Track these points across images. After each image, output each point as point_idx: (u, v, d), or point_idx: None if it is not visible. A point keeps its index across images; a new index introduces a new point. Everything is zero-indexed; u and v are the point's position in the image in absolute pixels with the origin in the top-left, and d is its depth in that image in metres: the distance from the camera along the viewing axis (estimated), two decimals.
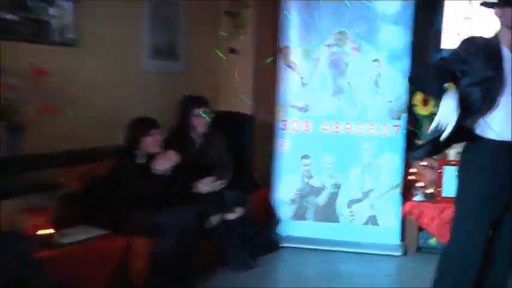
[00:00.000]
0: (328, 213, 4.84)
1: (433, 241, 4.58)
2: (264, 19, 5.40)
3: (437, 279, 2.95)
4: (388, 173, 4.75)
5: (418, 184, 4.76)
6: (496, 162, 2.75)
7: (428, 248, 4.60)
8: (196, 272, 3.93)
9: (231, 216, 4.17)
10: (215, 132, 4.42)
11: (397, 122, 4.68)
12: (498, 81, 2.68)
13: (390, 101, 4.68)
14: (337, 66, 4.74)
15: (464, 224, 2.83)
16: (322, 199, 4.86)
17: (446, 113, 2.61)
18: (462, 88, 2.73)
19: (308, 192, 4.87)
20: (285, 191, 4.88)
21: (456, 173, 3.01)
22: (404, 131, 4.69)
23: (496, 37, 2.81)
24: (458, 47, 2.88)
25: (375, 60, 4.70)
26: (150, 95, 4.43)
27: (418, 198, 4.68)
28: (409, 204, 4.69)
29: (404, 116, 4.69)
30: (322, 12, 4.74)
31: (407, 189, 4.82)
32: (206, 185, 4.16)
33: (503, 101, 2.70)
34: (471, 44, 2.85)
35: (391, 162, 4.74)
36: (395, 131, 4.70)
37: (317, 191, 4.85)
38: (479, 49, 2.77)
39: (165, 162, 3.73)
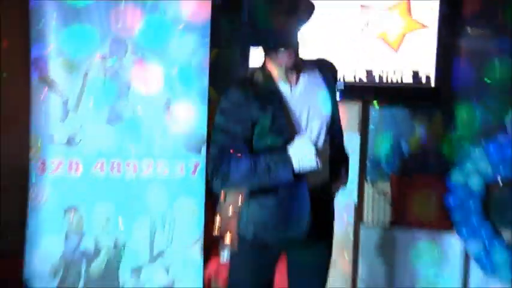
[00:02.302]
0: (106, 284, 3.89)
1: None
2: (12, 17, 4.21)
3: None
4: (185, 225, 4.00)
5: (226, 237, 3.92)
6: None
7: None
8: None
9: None
10: None
11: (195, 158, 3.94)
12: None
13: (185, 133, 3.94)
14: (114, 84, 3.84)
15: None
16: (97, 265, 3.88)
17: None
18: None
19: (77, 257, 3.86)
20: (43, 259, 3.81)
21: None
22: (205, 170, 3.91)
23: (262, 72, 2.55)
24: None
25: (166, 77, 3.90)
26: None
27: (226, 256, 3.96)
28: (213, 264, 4.17)
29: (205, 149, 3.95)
30: (94, 12, 3.81)
31: (211, 245, 4.13)
32: None
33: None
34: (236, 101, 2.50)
35: (189, 211, 4.01)
36: (193, 170, 3.96)
37: (90, 255, 3.87)
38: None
39: None
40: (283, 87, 2.49)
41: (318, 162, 2.32)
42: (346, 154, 2.76)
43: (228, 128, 2.43)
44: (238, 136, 2.42)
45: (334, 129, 2.60)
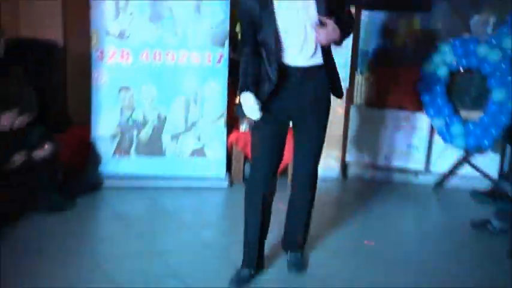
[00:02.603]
0: (152, 148, 4.61)
1: None
2: None
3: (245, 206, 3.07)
4: (212, 103, 4.60)
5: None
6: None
7: None
8: None
9: (38, 153, 3.70)
10: (13, 64, 3.86)
11: (220, 50, 4.50)
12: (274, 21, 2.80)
13: (212, 28, 4.45)
14: None
15: (257, 147, 3.04)
16: (145, 133, 4.60)
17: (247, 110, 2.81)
18: (260, 40, 2.85)
19: (130, 126, 4.57)
20: (104, 127, 4.55)
21: None
22: (228, 60, 4.52)
23: None
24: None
25: None
26: None
27: (243, 128, 4.61)
28: (234, 134, 4.65)
29: (227, 43, 4.50)
30: None
31: (232, 120, 4.70)
32: (5, 121, 3.60)
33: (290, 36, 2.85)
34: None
35: (215, 92, 4.59)
36: (218, 60, 4.51)
37: (140, 125, 4.58)
38: None
39: None
40: None
41: (259, 114, 2.75)
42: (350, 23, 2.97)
43: (242, 23, 2.95)
44: (246, 30, 2.90)
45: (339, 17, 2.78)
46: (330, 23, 2.71)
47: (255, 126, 2.99)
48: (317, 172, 3.17)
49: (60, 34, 4.85)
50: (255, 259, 3.07)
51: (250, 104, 2.78)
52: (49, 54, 4.65)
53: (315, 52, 2.85)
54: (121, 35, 4.42)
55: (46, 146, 3.74)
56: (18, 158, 3.60)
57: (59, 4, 4.85)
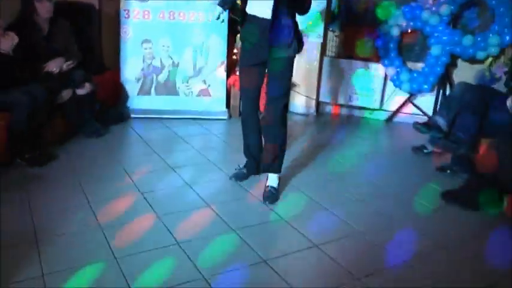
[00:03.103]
0: (168, 88, 4.73)
1: None
2: None
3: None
4: (215, 52, 4.68)
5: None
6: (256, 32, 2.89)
7: None
8: (51, 141, 3.66)
9: (80, 91, 3.85)
10: (60, 19, 3.95)
11: (221, 10, 4.41)
12: None
13: None
14: None
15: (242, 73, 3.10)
16: (162, 77, 4.71)
17: None
18: None
19: (151, 71, 4.68)
20: (131, 71, 4.66)
21: None
22: (227, 18, 4.50)
23: None
24: None
25: None
26: None
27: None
28: (232, 78, 4.73)
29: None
30: None
31: (231, 66, 4.81)
32: (55, 65, 3.73)
33: None
34: None
35: (218, 44, 4.66)
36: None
37: (158, 70, 4.68)
38: None
39: (6, 42, 3.23)
40: None
41: None
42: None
43: None
44: None
45: None
46: None
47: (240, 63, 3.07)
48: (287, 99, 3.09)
49: None
50: (253, 165, 3.25)
51: None
52: (88, 14, 4.69)
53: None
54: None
55: (86, 85, 3.88)
56: (66, 94, 3.74)
57: None
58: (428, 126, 3.86)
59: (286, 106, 3.05)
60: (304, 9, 2.90)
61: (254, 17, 2.88)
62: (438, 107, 4.66)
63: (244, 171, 3.32)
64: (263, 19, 2.82)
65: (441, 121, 3.79)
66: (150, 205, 2.89)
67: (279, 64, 2.91)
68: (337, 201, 3.10)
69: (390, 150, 4.32)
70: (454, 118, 3.74)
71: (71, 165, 3.44)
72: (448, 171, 3.69)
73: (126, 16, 4.50)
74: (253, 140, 3.26)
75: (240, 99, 3.29)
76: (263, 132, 3.21)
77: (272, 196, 3.06)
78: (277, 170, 3.17)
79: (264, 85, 3.08)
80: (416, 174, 3.66)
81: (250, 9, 2.91)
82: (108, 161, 3.57)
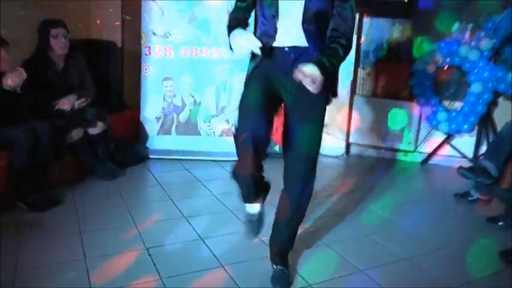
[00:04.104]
0: (189, 128, 4.25)
1: (276, 148, 4.13)
2: None
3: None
4: (239, 91, 4.07)
5: None
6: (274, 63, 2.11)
7: (273, 153, 4.05)
8: (61, 182, 3.20)
9: (93, 130, 3.41)
10: (77, 55, 3.59)
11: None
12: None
13: None
14: None
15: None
16: (184, 116, 4.25)
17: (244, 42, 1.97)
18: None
19: (171, 110, 4.23)
20: (151, 110, 4.22)
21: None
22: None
23: None
24: None
25: None
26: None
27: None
28: None
29: None
30: None
31: None
32: (66, 103, 3.32)
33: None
34: None
35: (242, 82, 3.95)
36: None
37: (179, 109, 4.23)
38: None
39: (14, 78, 2.84)
40: None
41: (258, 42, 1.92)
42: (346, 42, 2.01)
43: None
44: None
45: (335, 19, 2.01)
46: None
47: (246, 80, 2.25)
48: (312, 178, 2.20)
49: (119, 36, 4.59)
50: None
51: (246, 36, 1.95)
52: (109, 51, 4.35)
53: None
54: (165, 35, 4.08)
55: (99, 124, 3.45)
56: (76, 133, 3.32)
57: (119, 13, 4.57)
58: (475, 171, 3.25)
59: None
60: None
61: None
62: (486, 149, 3.93)
63: (257, 215, 2.19)
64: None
65: (490, 165, 3.17)
66: (154, 264, 2.33)
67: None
68: (375, 261, 2.48)
69: (430, 197, 3.67)
70: (505, 161, 3.14)
71: (75, 211, 2.94)
72: (501, 223, 3.04)
73: (147, 53, 4.11)
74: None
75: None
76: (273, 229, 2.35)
77: (281, 280, 2.25)
78: (290, 249, 2.37)
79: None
80: (463, 227, 3.01)
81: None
82: (116, 207, 3.07)
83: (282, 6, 2.03)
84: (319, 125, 2.15)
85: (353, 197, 3.46)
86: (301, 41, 2.03)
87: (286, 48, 2.05)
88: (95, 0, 4.51)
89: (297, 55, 2.04)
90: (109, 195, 3.26)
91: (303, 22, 2.00)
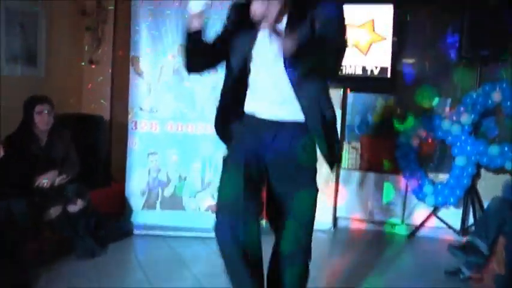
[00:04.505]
0: (174, 203, 4.10)
1: (262, 222, 3.91)
2: (119, 34, 4.65)
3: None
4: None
5: None
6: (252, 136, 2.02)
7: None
8: (38, 261, 2.99)
9: (72, 207, 3.25)
10: (62, 130, 3.51)
11: None
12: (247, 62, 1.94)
13: None
14: (179, 73, 4.00)
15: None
16: (168, 191, 4.11)
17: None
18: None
19: (156, 184, 4.10)
20: (136, 185, 4.08)
21: None
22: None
23: None
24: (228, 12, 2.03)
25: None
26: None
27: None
28: None
29: None
30: (168, 28, 4.03)
31: None
32: (46, 179, 3.18)
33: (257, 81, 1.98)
34: (236, 11, 1.98)
35: None
36: None
37: (164, 184, 4.10)
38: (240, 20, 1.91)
39: None
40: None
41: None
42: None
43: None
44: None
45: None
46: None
47: (225, 158, 2.06)
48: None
49: (108, 110, 4.68)
50: None
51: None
52: (97, 126, 4.35)
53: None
54: (151, 110, 4.04)
55: (78, 202, 3.29)
56: (54, 211, 3.15)
57: (108, 90, 4.70)
58: (465, 249, 3.12)
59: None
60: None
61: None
62: (474, 226, 3.84)
63: None
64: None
65: (481, 244, 3.05)
66: None
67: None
68: None
69: (420, 274, 3.45)
70: (494, 239, 3.02)
71: None
72: None
73: (134, 128, 4.05)
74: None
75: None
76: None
77: None
78: None
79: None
80: None
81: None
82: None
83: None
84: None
85: (340, 276, 3.27)
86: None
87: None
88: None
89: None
90: (83, 277, 3.01)
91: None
